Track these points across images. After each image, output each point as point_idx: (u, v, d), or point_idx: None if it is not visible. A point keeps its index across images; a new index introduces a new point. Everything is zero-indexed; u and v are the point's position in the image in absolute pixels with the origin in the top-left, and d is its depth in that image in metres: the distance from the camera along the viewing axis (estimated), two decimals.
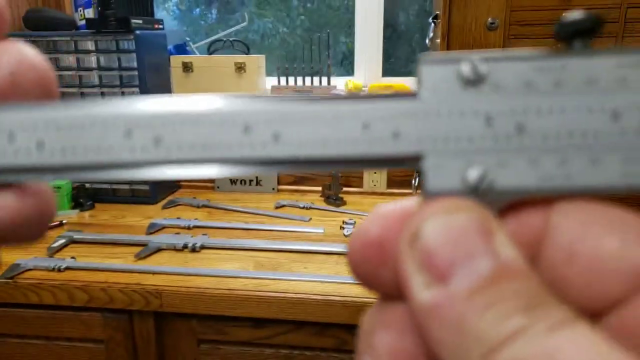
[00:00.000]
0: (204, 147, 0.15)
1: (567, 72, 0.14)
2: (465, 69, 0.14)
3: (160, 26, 1.22)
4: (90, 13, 1.25)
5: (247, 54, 1.38)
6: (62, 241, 0.92)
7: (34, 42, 1.14)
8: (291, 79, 1.34)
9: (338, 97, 0.15)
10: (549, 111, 0.14)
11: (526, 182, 0.14)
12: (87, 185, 1.16)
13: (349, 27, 1.47)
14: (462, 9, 0.93)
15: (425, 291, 0.12)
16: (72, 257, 0.87)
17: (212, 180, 1.26)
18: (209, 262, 0.86)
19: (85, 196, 1.13)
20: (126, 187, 1.18)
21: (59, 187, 1.10)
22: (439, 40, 1.01)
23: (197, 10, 1.63)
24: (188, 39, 1.49)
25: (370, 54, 1.40)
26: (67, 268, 0.83)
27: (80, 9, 1.28)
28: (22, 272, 0.82)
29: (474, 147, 0.14)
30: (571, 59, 0.15)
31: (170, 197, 1.20)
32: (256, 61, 1.29)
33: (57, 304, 0.81)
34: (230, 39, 1.42)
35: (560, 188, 0.14)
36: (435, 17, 1.05)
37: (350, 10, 1.44)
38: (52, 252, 0.89)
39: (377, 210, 0.14)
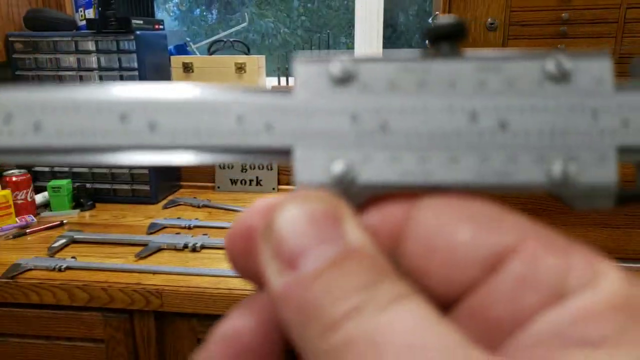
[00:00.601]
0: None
1: (430, 74, 0.15)
2: (335, 68, 0.15)
3: (161, 27, 1.23)
4: (90, 13, 1.26)
5: (247, 54, 1.38)
6: (62, 241, 0.92)
7: (35, 43, 1.14)
8: (291, 79, 1.34)
9: (215, 89, 0.16)
10: (411, 111, 0.15)
11: (387, 177, 0.15)
12: (88, 185, 1.16)
13: (349, 27, 1.48)
14: (462, 10, 0.94)
15: (279, 278, 0.12)
16: (73, 257, 0.87)
17: (212, 180, 1.26)
18: (209, 262, 0.86)
19: (86, 196, 1.14)
20: (127, 187, 1.18)
21: (59, 187, 1.10)
22: None
23: (198, 10, 1.63)
24: (188, 39, 1.50)
25: (370, 52, 1.40)
26: (68, 268, 0.83)
27: (81, 9, 1.29)
28: (23, 271, 0.82)
29: (339, 142, 0.15)
30: (435, 62, 0.15)
31: (170, 197, 1.20)
32: (256, 61, 1.29)
33: (58, 303, 0.81)
34: (231, 39, 1.42)
35: (420, 184, 0.15)
36: (435, 18, 1.06)
37: (350, 11, 1.45)
38: (53, 252, 0.89)
39: (255, 203, 0.15)
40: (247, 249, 0.14)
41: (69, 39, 1.13)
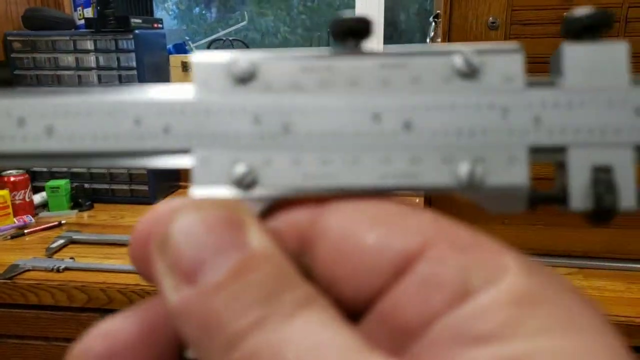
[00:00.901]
0: None
1: (334, 73, 0.15)
2: (235, 67, 0.15)
3: (160, 25, 1.22)
4: (89, 12, 1.25)
5: None
6: (61, 241, 0.92)
7: (33, 42, 1.14)
8: None
9: (112, 91, 0.15)
10: (313, 111, 0.15)
11: (290, 181, 0.14)
12: (86, 185, 1.16)
13: None
14: (463, 8, 0.93)
15: (175, 293, 0.12)
16: (71, 258, 0.87)
17: None
18: None
19: (84, 196, 1.14)
20: (125, 187, 1.18)
21: (57, 187, 1.10)
22: (440, 40, 1.01)
23: (197, 9, 1.63)
24: (187, 38, 1.49)
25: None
26: (66, 268, 0.83)
27: (79, 8, 1.28)
28: (21, 272, 0.82)
29: (240, 144, 0.15)
30: (337, 59, 0.15)
31: (169, 197, 1.20)
32: None
33: (56, 304, 0.81)
34: (230, 38, 1.42)
35: (323, 187, 0.14)
36: (436, 17, 1.05)
37: (350, 9, 1.44)
38: (51, 253, 0.89)
39: (154, 208, 0.14)
40: (146, 257, 0.13)
41: (68, 38, 1.13)
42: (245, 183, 0.14)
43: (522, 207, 0.15)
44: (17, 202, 1.05)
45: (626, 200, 0.15)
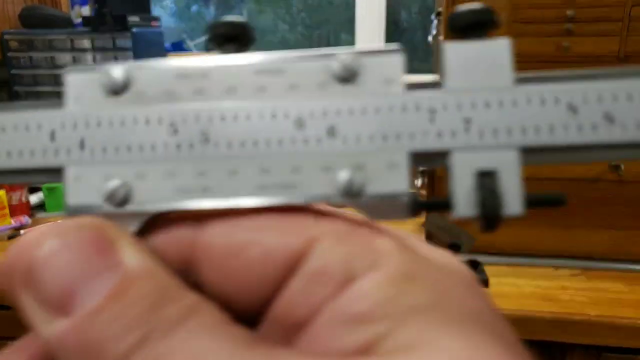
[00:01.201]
0: None
1: (208, 80, 0.14)
2: (107, 77, 0.14)
3: (157, 24, 1.22)
4: (86, 11, 1.25)
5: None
6: None
7: (30, 40, 1.13)
8: None
9: (25, 106, 0.15)
10: (183, 120, 0.14)
11: (164, 194, 0.14)
12: None
13: (350, 23, 1.47)
14: (464, 5, 0.93)
15: (49, 326, 0.11)
16: None
17: None
18: None
19: None
20: None
21: (54, 188, 1.10)
22: (442, 38, 1.00)
23: (195, 7, 1.62)
24: (185, 36, 1.49)
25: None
26: None
27: (77, 6, 1.28)
28: None
29: (114, 159, 0.14)
30: (212, 66, 0.14)
31: None
32: None
33: None
34: None
35: (200, 201, 0.14)
36: (439, 14, 1.05)
37: (351, 7, 1.43)
38: None
39: (18, 239, 0.13)
40: (13, 290, 0.12)
41: (65, 36, 1.13)
42: (118, 199, 0.14)
43: (405, 215, 0.14)
44: (14, 202, 1.05)
45: (512, 206, 0.14)
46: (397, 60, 0.15)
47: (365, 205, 0.14)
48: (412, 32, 1.50)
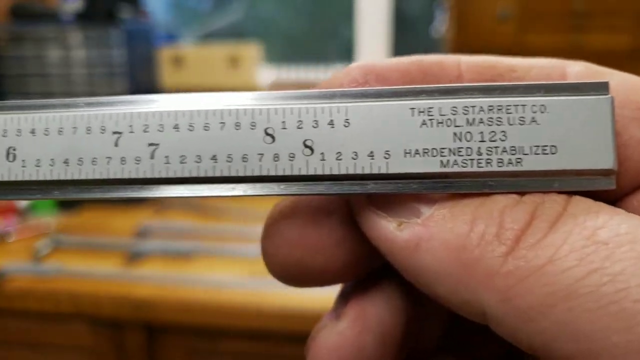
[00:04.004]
0: None
1: None
2: None
3: (150, 18, 1.22)
4: (76, 6, 1.25)
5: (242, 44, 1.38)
6: (47, 246, 0.92)
7: (20, 34, 1.14)
8: (292, 71, 1.33)
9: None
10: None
11: None
12: None
13: (351, 15, 1.47)
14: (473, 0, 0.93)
15: (399, 232, 0.12)
16: (59, 263, 0.87)
17: None
18: (201, 269, 0.86)
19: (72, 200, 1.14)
20: None
21: None
22: (448, 31, 1.01)
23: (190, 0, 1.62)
24: (180, 29, 1.49)
25: (375, 43, 1.39)
26: (54, 274, 0.83)
27: (67, 1, 1.28)
28: (7, 278, 0.83)
29: None
30: None
31: (160, 199, 1.20)
32: (251, 51, 1.29)
33: (44, 311, 0.81)
34: (225, 29, 1.41)
35: None
36: (446, 8, 1.05)
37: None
38: (38, 258, 0.89)
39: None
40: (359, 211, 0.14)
41: (54, 32, 1.13)
42: None
43: None
44: (1, 205, 1.05)
45: None
46: None
47: None
48: (419, 25, 1.50)
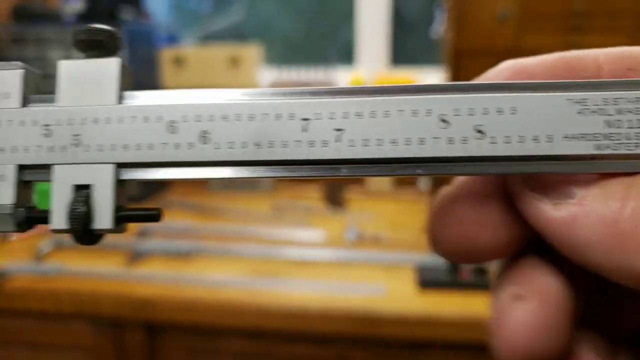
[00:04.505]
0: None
1: None
2: None
3: (150, 18, 1.22)
4: (78, 7, 1.26)
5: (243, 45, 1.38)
6: (49, 246, 0.92)
7: (21, 35, 1.14)
8: (293, 73, 1.34)
9: None
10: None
11: None
12: None
13: (352, 16, 1.47)
14: (472, 0, 0.93)
15: (556, 212, 0.14)
16: (60, 263, 0.87)
17: (205, 182, 1.26)
18: (202, 269, 0.86)
19: None
20: None
21: (44, 191, 1.10)
22: (447, 32, 1.01)
23: (192, 0, 1.63)
24: (181, 30, 1.49)
25: (374, 44, 1.40)
26: (55, 274, 0.83)
27: (68, 2, 1.29)
28: (8, 278, 0.83)
29: None
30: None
31: (161, 199, 1.20)
32: (252, 52, 1.29)
33: (45, 311, 0.82)
34: (225, 30, 1.42)
35: None
36: (445, 9, 1.05)
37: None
38: (39, 258, 0.89)
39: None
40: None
41: (56, 32, 1.13)
42: None
43: (11, 228, 0.15)
44: None
45: (102, 220, 0.15)
46: (14, 75, 0.16)
47: None
48: (417, 25, 1.50)
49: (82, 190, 0.15)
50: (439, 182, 0.89)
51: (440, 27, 1.09)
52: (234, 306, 0.77)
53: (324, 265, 0.87)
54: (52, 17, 1.21)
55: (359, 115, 0.15)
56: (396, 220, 1.08)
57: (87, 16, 1.11)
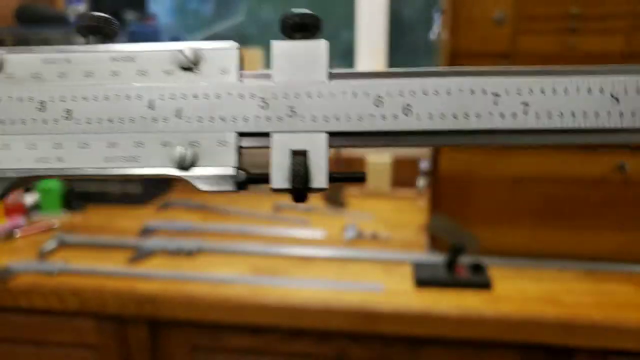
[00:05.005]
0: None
1: (71, 65, 0.17)
2: None
3: (154, 21, 1.23)
4: (82, 9, 1.27)
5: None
6: (53, 244, 0.93)
7: (25, 38, 1.15)
8: None
9: None
10: (50, 99, 0.17)
11: (24, 163, 0.17)
12: (78, 186, 1.17)
13: (351, 19, 1.48)
14: (469, 2, 0.94)
15: None
16: (64, 261, 0.88)
17: None
18: (204, 266, 0.87)
19: (77, 197, 1.15)
20: (118, 188, 1.19)
21: (49, 188, 1.11)
22: (444, 34, 1.02)
23: (194, 3, 1.64)
24: (183, 33, 1.50)
25: (374, 47, 1.41)
26: (59, 272, 0.84)
27: (72, 4, 1.30)
28: (13, 275, 0.84)
29: None
30: (74, 53, 0.18)
31: (164, 199, 1.21)
32: (253, 55, 1.30)
33: (49, 308, 0.82)
34: (227, 33, 1.43)
35: (55, 170, 0.17)
36: (442, 11, 1.06)
37: (352, 2, 1.45)
38: (43, 255, 0.90)
39: None
40: None
41: (61, 34, 1.14)
42: None
43: (232, 188, 0.17)
44: (9, 203, 1.07)
45: (318, 181, 0.17)
46: (232, 54, 0.18)
47: (196, 177, 0.17)
48: (415, 28, 1.51)
49: (299, 155, 0.17)
50: (437, 182, 0.90)
51: (438, 29, 1.10)
52: (235, 303, 0.78)
53: (324, 263, 0.88)
54: (56, 19, 1.22)
55: (542, 91, 0.17)
56: (394, 219, 1.09)
57: None
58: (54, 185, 1.12)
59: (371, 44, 1.41)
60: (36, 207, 1.14)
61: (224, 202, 1.18)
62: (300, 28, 0.17)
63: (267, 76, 0.17)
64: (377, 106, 0.17)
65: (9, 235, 1.00)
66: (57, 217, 1.09)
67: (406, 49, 1.50)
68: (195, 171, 0.17)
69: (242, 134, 0.17)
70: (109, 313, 0.82)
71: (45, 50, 0.18)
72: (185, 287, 0.81)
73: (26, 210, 1.11)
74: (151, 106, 0.17)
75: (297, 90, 0.17)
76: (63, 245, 0.95)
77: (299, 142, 0.17)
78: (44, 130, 0.17)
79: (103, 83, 0.17)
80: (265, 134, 0.17)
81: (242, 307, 0.78)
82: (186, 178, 0.17)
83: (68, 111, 0.17)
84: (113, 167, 0.17)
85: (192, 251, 0.91)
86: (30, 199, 1.14)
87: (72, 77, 0.17)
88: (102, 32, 0.18)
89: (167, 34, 1.37)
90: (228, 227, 1.03)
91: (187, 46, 0.17)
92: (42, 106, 0.17)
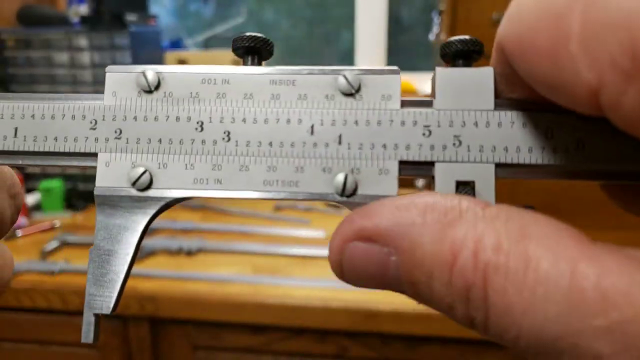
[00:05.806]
0: None
1: (230, 86, 0.17)
2: (141, 77, 0.17)
3: (155, 22, 1.23)
4: (84, 9, 1.27)
5: None
6: (55, 243, 0.93)
7: (27, 39, 1.15)
8: None
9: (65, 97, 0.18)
10: (209, 120, 0.17)
11: (182, 183, 0.17)
12: (80, 186, 1.17)
13: (351, 20, 1.48)
14: (467, 4, 0.94)
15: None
16: (66, 260, 0.88)
17: None
18: (205, 266, 0.87)
19: (78, 197, 1.15)
20: None
21: (51, 188, 1.11)
22: (444, 36, 1.02)
23: (194, 5, 1.64)
24: (184, 34, 1.50)
25: (373, 48, 1.41)
26: (61, 271, 0.84)
27: (74, 5, 1.30)
28: (15, 275, 0.84)
29: (141, 148, 0.17)
30: (232, 74, 0.17)
31: None
32: None
33: (51, 307, 0.82)
34: (228, 34, 1.43)
35: (213, 191, 0.17)
36: (440, 12, 1.06)
37: (352, 4, 1.45)
38: (45, 255, 0.90)
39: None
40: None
41: (62, 35, 1.14)
42: (142, 184, 0.17)
43: None
44: None
45: None
46: (394, 79, 0.17)
47: (357, 205, 0.16)
48: (414, 30, 1.51)
49: (466, 186, 0.16)
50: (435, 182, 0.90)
51: (437, 30, 1.10)
52: (235, 302, 0.78)
53: (324, 263, 0.88)
54: (58, 20, 1.23)
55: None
56: None
57: (92, 19, 1.12)
58: (56, 185, 1.12)
59: (371, 44, 1.41)
60: (38, 206, 1.14)
61: (224, 202, 1.18)
62: (463, 55, 0.17)
63: (429, 103, 0.17)
64: (548, 138, 0.16)
65: (11, 235, 1.00)
66: (59, 217, 1.09)
67: (405, 50, 1.50)
68: (357, 199, 0.16)
69: (402, 162, 0.17)
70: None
71: (201, 69, 0.17)
72: (186, 286, 0.81)
73: (28, 210, 1.11)
74: (312, 131, 0.17)
75: (464, 118, 0.16)
76: (65, 244, 0.95)
77: (464, 173, 0.16)
78: (203, 151, 0.17)
79: (263, 106, 0.17)
80: (429, 163, 0.17)
81: (242, 306, 0.78)
82: (347, 205, 0.16)
83: (227, 133, 0.17)
84: (272, 191, 0.16)
85: (192, 250, 0.91)
86: (32, 198, 1.14)
87: (231, 99, 0.17)
88: (259, 53, 0.18)
89: (167, 35, 1.37)
90: (229, 227, 1.02)
91: (349, 71, 0.17)
92: (200, 127, 0.17)
